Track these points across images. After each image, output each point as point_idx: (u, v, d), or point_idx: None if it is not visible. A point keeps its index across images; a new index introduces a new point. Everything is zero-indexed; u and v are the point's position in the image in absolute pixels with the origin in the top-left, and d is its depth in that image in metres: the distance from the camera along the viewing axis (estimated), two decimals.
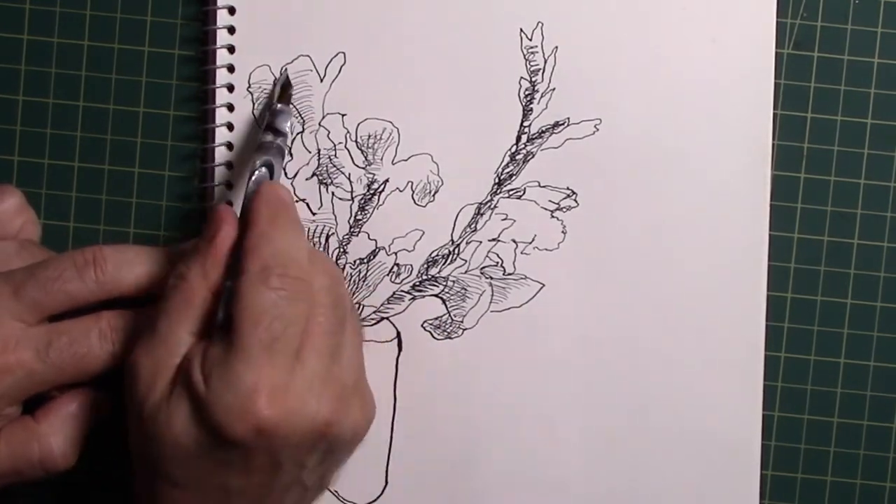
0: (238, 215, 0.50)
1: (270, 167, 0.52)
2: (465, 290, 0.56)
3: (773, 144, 0.56)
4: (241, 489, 0.48)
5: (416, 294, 0.56)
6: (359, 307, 0.56)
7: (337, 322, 0.49)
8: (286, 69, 0.55)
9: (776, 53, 0.55)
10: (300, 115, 0.56)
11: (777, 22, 0.55)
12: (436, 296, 0.56)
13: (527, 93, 0.55)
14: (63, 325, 0.51)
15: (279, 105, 0.54)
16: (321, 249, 0.56)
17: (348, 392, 0.49)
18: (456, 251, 0.56)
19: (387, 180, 0.56)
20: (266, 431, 0.46)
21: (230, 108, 0.56)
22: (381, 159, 0.56)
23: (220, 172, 0.56)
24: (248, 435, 0.46)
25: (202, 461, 0.47)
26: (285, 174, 0.55)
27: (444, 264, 0.56)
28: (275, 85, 0.55)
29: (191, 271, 0.49)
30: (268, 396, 0.46)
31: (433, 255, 0.56)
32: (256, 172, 0.51)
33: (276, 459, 0.48)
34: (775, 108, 0.56)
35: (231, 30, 0.56)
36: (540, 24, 0.55)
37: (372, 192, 0.56)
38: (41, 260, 0.52)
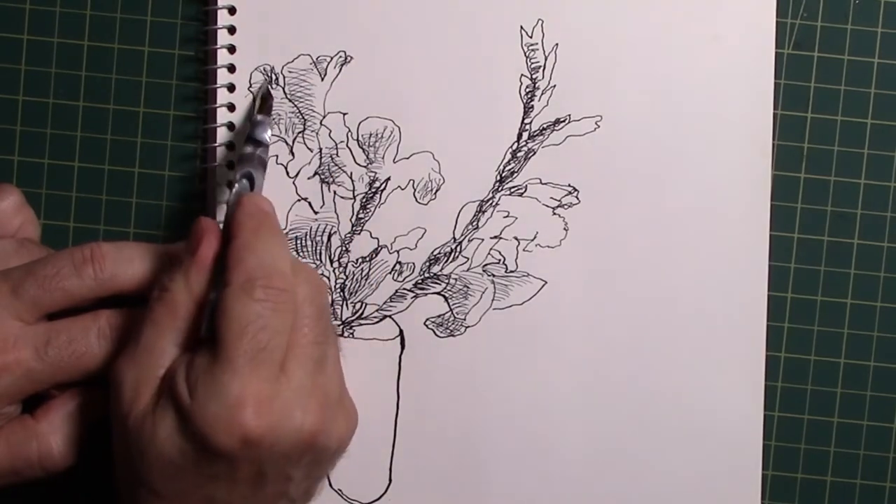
0: (220, 227, 0.50)
1: (251, 178, 0.52)
2: (468, 287, 0.56)
3: (773, 144, 0.56)
4: (225, 501, 0.48)
5: (419, 292, 0.56)
6: (361, 305, 0.56)
7: (321, 332, 0.49)
8: (266, 80, 0.55)
9: (776, 53, 0.56)
10: (301, 114, 0.56)
11: (777, 22, 0.56)
12: (438, 294, 0.56)
13: (528, 90, 0.56)
14: (62, 323, 0.50)
15: (259, 116, 0.54)
16: (323, 248, 0.56)
17: (332, 402, 0.49)
18: (458, 249, 0.56)
19: (388, 178, 0.56)
20: (252, 442, 0.46)
21: (231, 108, 0.56)
22: (383, 157, 0.56)
23: (220, 172, 0.56)
24: (234, 446, 0.46)
25: (187, 473, 0.47)
26: (287, 174, 0.55)
27: (446, 262, 0.56)
28: (255, 96, 0.55)
29: (174, 283, 0.49)
30: (254, 407, 0.46)
31: (435, 252, 0.56)
32: (237, 184, 0.51)
33: (261, 470, 0.47)
34: (775, 108, 0.56)
35: (231, 30, 0.56)
36: (540, 21, 0.55)
37: (374, 190, 0.56)
38: (39, 258, 0.51)
